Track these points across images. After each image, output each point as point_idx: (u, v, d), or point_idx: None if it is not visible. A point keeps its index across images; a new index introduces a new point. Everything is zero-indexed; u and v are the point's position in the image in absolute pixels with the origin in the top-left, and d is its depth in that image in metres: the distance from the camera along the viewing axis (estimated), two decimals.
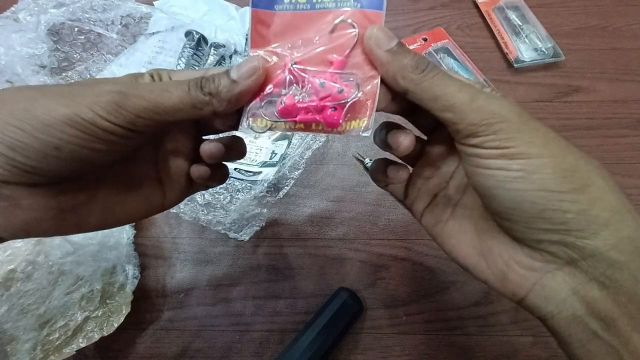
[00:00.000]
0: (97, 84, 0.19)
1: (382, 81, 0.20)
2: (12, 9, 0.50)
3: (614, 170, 0.46)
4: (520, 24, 0.54)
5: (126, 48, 0.53)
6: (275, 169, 0.45)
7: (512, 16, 0.55)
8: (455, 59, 0.52)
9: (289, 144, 0.48)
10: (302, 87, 0.20)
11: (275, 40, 0.21)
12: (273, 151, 0.47)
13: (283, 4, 0.21)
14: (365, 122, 0.20)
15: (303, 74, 0.20)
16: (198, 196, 0.44)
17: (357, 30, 0.20)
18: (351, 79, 0.20)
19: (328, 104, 0.20)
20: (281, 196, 0.44)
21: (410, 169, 0.26)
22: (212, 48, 0.51)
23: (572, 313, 0.18)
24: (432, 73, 0.19)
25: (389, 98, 0.20)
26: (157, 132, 0.23)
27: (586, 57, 0.53)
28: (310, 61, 0.20)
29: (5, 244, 0.35)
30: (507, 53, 0.53)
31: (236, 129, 0.22)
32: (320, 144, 0.45)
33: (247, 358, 0.39)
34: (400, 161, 0.25)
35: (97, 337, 0.35)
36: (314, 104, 0.20)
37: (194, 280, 0.42)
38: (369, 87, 0.20)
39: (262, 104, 0.20)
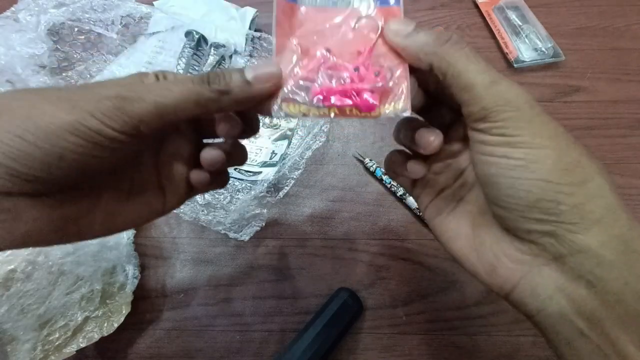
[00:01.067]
0: (97, 87, 0.18)
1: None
2: (12, 9, 0.50)
3: (614, 171, 0.46)
4: (520, 24, 0.54)
5: (126, 48, 0.53)
6: (275, 169, 0.45)
7: (512, 16, 0.55)
8: None
9: (289, 144, 0.48)
10: (336, 72, 0.20)
11: (299, 32, 0.21)
12: (273, 151, 0.47)
13: None
14: (402, 104, 0.20)
15: (336, 59, 0.20)
16: (198, 196, 0.44)
17: (379, 23, 0.21)
18: (382, 65, 0.20)
19: (365, 86, 0.20)
20: (281, 196, 0.44)
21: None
22: (212, 48, 0.51)
23: (557, 310, 0.18)
24: (456, 46, 0.19)
25: (421, 93, 0.21)
26: (160, 135, 0.23)
27: (586, 57, 0.53)
28: (338, 51, 0.21)
29: None
30: (507, 53, 0.53)
31: (253, 132, 0.22)
32: (320, 144, 0.45)
33: (247, 358, 0.39)
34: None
35: (97, 337, 0.35)
36: (350, 88, 0.20)
37: (194, 280, 0.42)
38: (399, 71, 0.20)
39: (295, 88, 0.20)
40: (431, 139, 0.21)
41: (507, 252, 0.20)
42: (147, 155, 0.23)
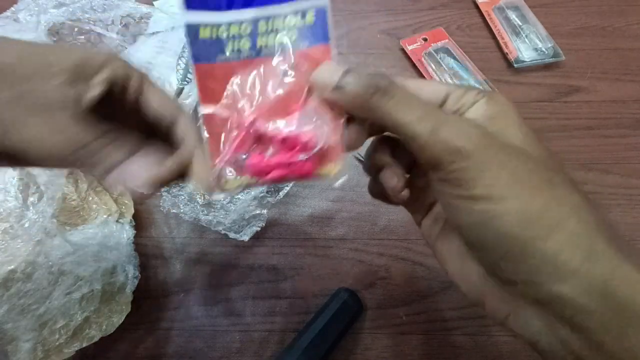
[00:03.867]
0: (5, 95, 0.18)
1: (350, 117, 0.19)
2: (12, 9, 0.50)
3: (613, 170, 0.46)
4: (520, 24, 0.54)
5: (126, 48, 0.52)
6: None
7: (512, 16, 0.55)
8: (455, 59, 0.52)
9: None
10: (267, 143, 0.19)
11: (225, 97, 0.20)
12: None
13: (225, 55, 0.19)
14: (338, 166, 0.19)
15: (264, 129, 0.19)
16: (198, 196, 0.44)
17: (306, 73, 0.19)
18: (316, 121, 0.19)
19: (300, 157, 0.19)
20: (281, 196, 0.44)
21: (406, 175, 0.25)
22: None
23: (548, 346, 0.18)
24: (385, 98, 0.17)
25: (365, 134, 0.19)
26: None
27: (586, 57, 0.53)
28: (267, 112, 0.19)
29: (5, 244, 0.35)
30: (507, 53, 0.53)
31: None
32: None
33: (247, 358, 0.39)
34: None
35: (97, 337, 0.36)
36: (284, 159, 0.19)
37: (194, 280, 0.42)
38: (333, 125, 0.19)
39: (227, 165, 0.19)
40: (394, 182, 0.20)
41: (491, 291, 0.19)
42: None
